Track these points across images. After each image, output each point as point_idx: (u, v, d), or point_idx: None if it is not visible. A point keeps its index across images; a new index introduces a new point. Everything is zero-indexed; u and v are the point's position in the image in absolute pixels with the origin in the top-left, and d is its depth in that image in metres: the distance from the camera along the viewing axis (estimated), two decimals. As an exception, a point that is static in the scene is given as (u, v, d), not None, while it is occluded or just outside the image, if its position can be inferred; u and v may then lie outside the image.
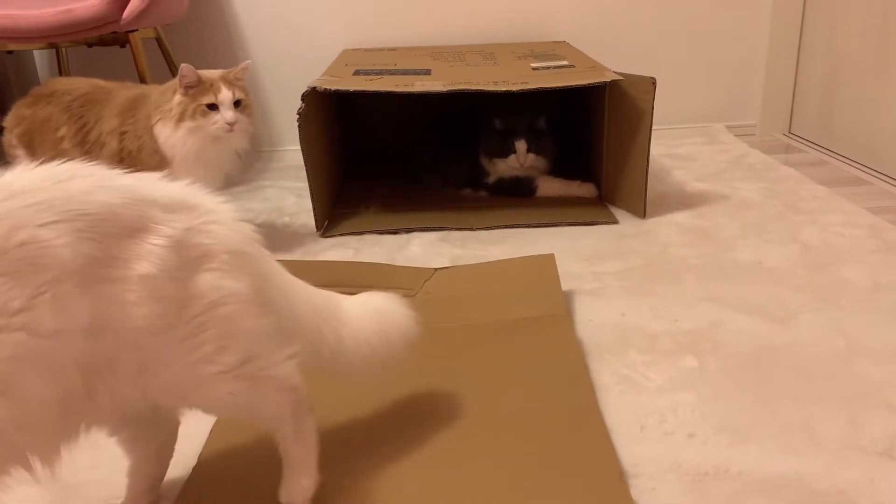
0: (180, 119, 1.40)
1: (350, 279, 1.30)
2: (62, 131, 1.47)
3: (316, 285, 1.27)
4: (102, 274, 0.66)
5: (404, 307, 0.92)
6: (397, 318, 0.90)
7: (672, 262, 1.46)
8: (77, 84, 1.52)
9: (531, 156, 1.83)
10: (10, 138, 1.56)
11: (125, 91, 1.50)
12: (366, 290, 1.27)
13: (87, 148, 1.46)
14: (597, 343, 1.17)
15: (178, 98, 1.40)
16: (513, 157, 1.82)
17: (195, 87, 1.40)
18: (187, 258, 0.72)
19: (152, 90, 1.48)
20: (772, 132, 2.47)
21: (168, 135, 1.41)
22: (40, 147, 1.52)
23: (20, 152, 1.56)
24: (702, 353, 1.13)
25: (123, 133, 1.44)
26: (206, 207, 0.76)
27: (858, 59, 2.07)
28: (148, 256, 0.69)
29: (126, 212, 0.70)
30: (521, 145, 1.81)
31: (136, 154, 1.43)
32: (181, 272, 0.71)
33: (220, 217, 0.76)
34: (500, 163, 1.85)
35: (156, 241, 0.70)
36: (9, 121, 1.56)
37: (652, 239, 1.59)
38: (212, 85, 1.41)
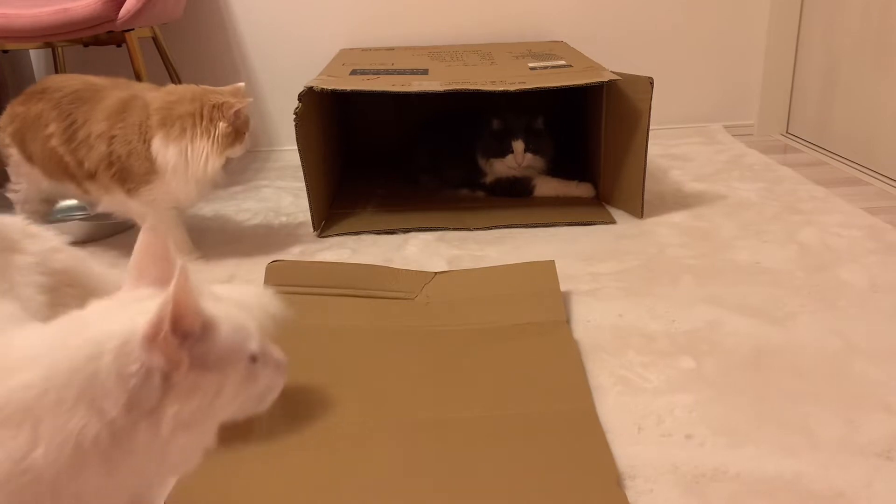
0: (226, 147, 1.42)
1: (348, 282, 1.30)
2: (51, 128, 1.46)
3: (313, 287, 1.28)
4: None
5: (254, 289, 0.97)
6: (260, 302, 0.93)
7: (670, 263, 1.46)
8: (68, 81, 1.52)
9: (529, 156, 1.83)
10: (3, 136, 1.56)
11: (115, 92, 1.48)
12: (365, 294, 1.28)
13: (74, 146, 1.45)
14: (594, 344, 1.17)
15: (225, 128, 1.40)
16: (510, 157, 1.82)
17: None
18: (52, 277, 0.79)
19: (144, 92, 1.47)
20: (769, 132, 2.46)
21: (169, 152, 1.39)
22: (31, 144, 1.52)
23: (13, 150, 1.56)
24: (699, 354, 1.13)
25: (112, 137, 1.42)
26: (47, 237, 0.84)
27: (856, 60, 2.07)
28: (24, 269, 0.75)
29: None
30: (518, 145, 1.81)
31: (126, 158, 1.42)
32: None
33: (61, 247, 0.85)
34: (497, 163, 1.85)
35: (26, 259, 0.77)
36: (3, 119, 1.56)
37: (649, 239, 1.58)
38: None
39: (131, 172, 1.43)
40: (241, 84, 1.47)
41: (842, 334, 1.17)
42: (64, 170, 1.49)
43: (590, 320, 1.24)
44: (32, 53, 2.34)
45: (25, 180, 1.60)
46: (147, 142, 1.40)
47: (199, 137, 1.39)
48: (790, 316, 1.24)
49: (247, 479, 0.88)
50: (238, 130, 1.43)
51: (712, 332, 1.19)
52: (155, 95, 1.46)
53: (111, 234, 1.70)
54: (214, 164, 1.41)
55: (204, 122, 1.39)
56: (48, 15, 1.70)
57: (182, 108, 1.40)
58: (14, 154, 1.56)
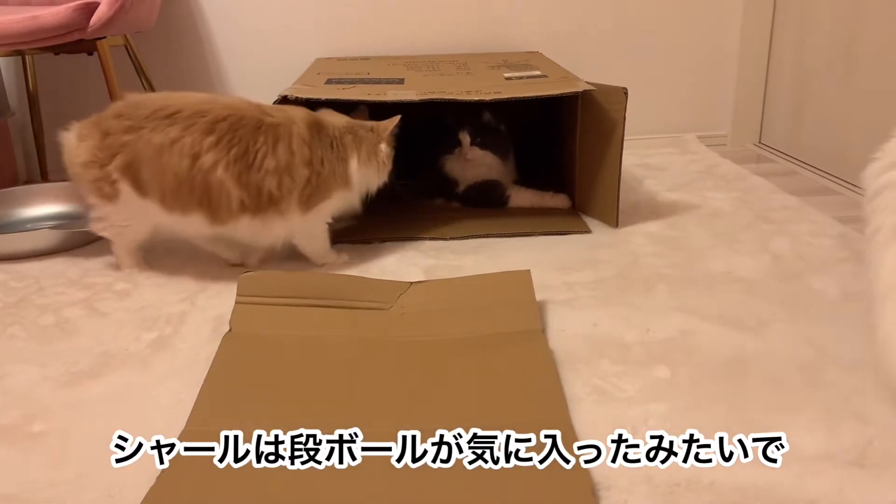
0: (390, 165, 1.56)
1: (323, 293, 1.28)
2: (208, 158, 1.35)
3: (287, 298, 1.27)
4: None
5: None
6: None
7: (644, 272, 1.47)
8: (192, 103, 1.40)
9: (476, 150, 1.82)
10: (108, 172, 1.39)
11: (287, 114, 1.45)
12: (339, 304, 1.27)
13: (259, 176, 1.39)
14: (569, 353, 1.17)
15: (387, 149, 1.54)
16: (458, 151, 1.82)
17: None
18: None
19: (328, 116, 1.51)
20: (742, 142, 2.49)
21: (364, 172, 1.51)
22: (154, 175, 1.38)
23: (123, 185, 1.40)
24: (674, 363, 1.13)
25: (317, 159, 1.44)
26: None
27: (826, 72, 2.11)
28: None
29: None
30: (464, 137, 1.81)
31: (328, 177, 1.46)
32: None
33: None
34: (450, 161, 1.84)
35: None
36: (98, 153, 1.39)
37: (624, 248, 1.59)
38: None
39: (329, 189, 1.47)
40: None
41: (814, 342, 1.18)
42: (206, 199, 1.38)
43: (565, 329, 1.24)
44: (2, 61, 2.30)
45: (135, 216, 1.45)
46: (344, 160, 1.48)
47: (371, 158, 1.52)
48: (763, 324, 1.24)
49: (219, 489, 0.87)
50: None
51: (686, 341, 1.20)
52: (330, 118, 1.50)
53: (82, 244, 1.68)
54: (381, 181, 1.56)
55: (372, 143, 1.51)
56: (17, 22, 1.67)
57: (362, 130, 1.51)
58: (125, 189, 1.40)
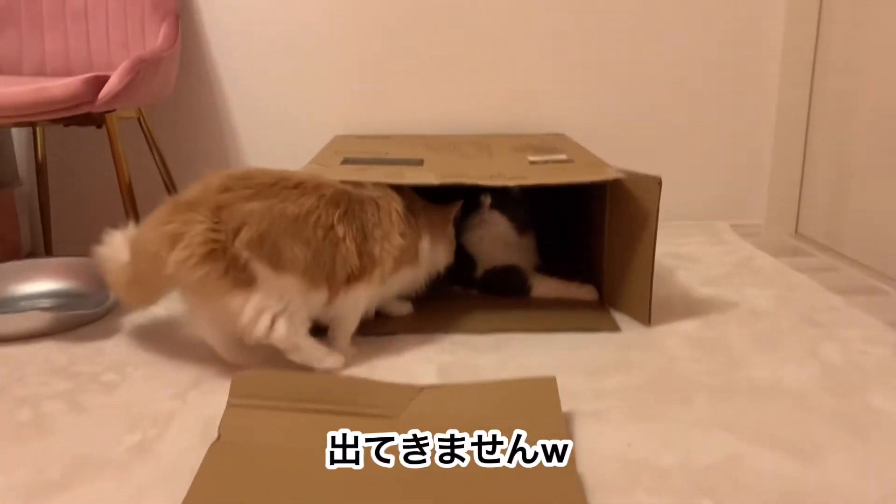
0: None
1: (324, 396, 1.16)
2: (340, 229, 1.33)
3: (284, 402, 1.14)
4: None
5: None
6: None
7: (681, 380, 1.33)
8: (311, 176, 1.37)
9: (496, 213, 1.73)
10: (233, 257, 1.21)
11: (383, 189, 1.45)
12: (341, 410, 1.14)
13: (366, 247, 1.38)
14: (600, 479, 1.02)
15: (451, 230, 1.61)
16: (477, 215, 1.73)
17: None
18: None
19: (408, 195, 1.51)
20: (778, 233, 2.37)
21: (433, 251, 1.54)
22: (290, 248, 1.26)
23: (256, 266, 1.24)
24: (721, 496, 0.99)
25: (406, 234, 1.45)
26: None
27: (868, 163, 2.00)
28: None
29: None
30: (485, 199, 1.73)
31: (407, 251, 1.45)
32: None
33: None
34: (468, 232, 1.74)
35: None
36: (204, 243, 1.19)
37: (657, 351, 1.45)
38: None
39: (405, 262, 1.47)
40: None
41: (882, 475, 1.03)
42: (332, 272, 1.33)
43: (594, 449, 1.10)
44: (14, 130, 2.26)
45: (275, 298, 1.27)
46: (417, 238, 1.49)
47: (440, 238, 1.57)
48: (819, 450, 1.10)
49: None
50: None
51: (733, 468, 1.05)
52: (409, 197, 1.50)
53: (73, 327, 1.57)
54: (447, 262, 1.60)
55: (440, 224, 1.57)
56: (25, 94, 1.62)
57: (433, 210, 1.56)
58: (259, 268, 1.24)
